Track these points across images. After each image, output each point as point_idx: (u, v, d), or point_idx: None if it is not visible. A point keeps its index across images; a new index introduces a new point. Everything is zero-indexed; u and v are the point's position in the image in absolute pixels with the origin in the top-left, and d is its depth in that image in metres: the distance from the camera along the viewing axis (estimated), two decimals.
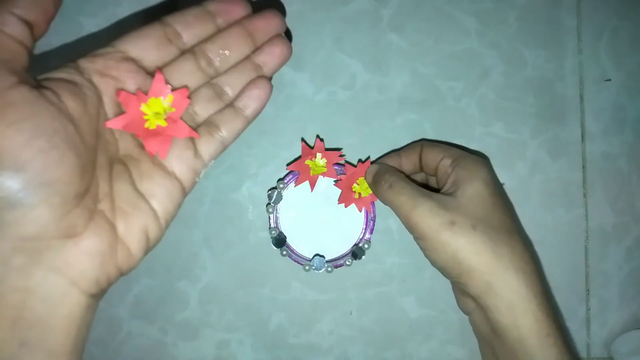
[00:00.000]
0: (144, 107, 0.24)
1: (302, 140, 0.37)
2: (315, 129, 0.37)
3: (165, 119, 0.25)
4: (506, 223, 0.30)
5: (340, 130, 0.37)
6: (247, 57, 0.28)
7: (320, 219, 0.37)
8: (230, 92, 0.28)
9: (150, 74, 0.25)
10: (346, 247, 0.37)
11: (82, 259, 0.22)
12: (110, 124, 0.24)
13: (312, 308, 0.38)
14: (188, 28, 0.26)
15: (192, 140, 0.26)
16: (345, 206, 0.36)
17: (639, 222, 0.38)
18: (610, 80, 0.38)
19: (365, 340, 0.38)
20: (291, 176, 0.36)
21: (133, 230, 0.24)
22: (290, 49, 0.29)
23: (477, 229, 0.29)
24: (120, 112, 0.24)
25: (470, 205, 0.30)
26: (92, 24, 0.37)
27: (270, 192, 0.36)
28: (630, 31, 0.38)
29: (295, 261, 0.36)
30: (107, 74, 0.24)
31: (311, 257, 0.36)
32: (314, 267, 0.36)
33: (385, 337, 0.38)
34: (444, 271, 0.31)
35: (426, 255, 0.31)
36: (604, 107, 0.38)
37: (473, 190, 0.30)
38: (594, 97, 0.38)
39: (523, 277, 0.29)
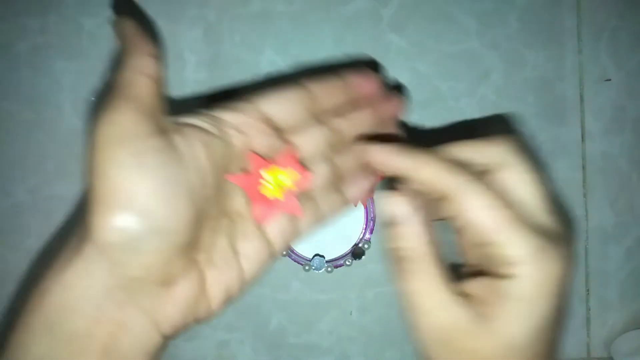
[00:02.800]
0: (268, 174, 0.24)
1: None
2: None
3: (283, 193, 0.25)
4: None
5: None
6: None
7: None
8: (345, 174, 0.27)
9: (279, 134, 0.25)
10: (346, 247, 0.37)
11: (170, 305, 0.22)
12: (232, 179, 0.24)
13: (312, 308, 0.38)
14: (327, 97, 0.26)
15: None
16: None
17: (639, 222, 0.38)
18: (610, 80, 0.38)
19: (365, 340, 0.38)
20: None
21: (220, 285, 0.24)
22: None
23: None
24: (243, 168, 0.24)
25: (503, 356, 0.21)
26: (92, 24, 0.37)
27: None
28: (630, 31, 0.38)
29: (295, 261, 0.36)
30: (243, 131, 0.24)
31: (311, 257, 0.36)
32: (314, 267, 0.36)
33: (385, 337, 0.38)
34: None
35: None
36: (604, 107, 0.38)
37: (515, 336, 0.21)
38: (594, 97, 0.38)
39: None
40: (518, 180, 0.22)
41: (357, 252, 0.36)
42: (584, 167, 0.38)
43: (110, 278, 0.21)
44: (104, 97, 0.22)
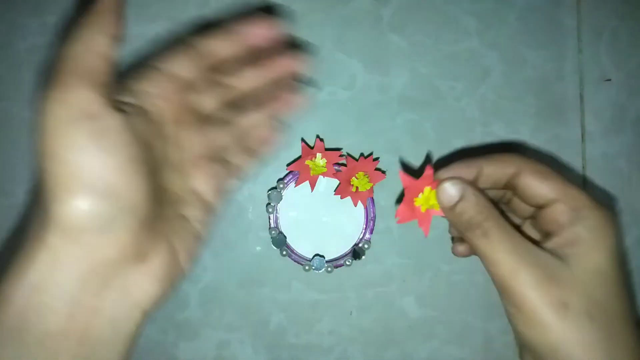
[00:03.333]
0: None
1: (302, 140, 0.37)
2: (315, 129, 0.37)
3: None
4: (627, 311, 0.24)
5: (340, 130, 0.37)
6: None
7: (320, 219, 0.37)
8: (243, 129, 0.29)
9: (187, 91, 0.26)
10: (346, 247, 0.37)
11: (148, 281, 0.23)
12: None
13: (312, 308, 0.38)
14: (218, 52, 0.27)
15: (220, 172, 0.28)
16: (341, 198, 0.35)
17: (639, 222, 0.38)
18: (610, 80, 0.38)
19: (365, 340, 0.38)
20: (291, 176, 0.36)
21: (185, 249, 0.25)
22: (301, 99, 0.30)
23: (594, 320, 0.23)
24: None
25: (589, 284, 0.23)
26: None
27: (270, 192, 0.36)
28: (630, 31, 0.38)
29: (295, 261, 0.36)
30: (165, 97, 0.25)
31: (311, 257, 0.36)
32: (314, 267, 0.36)
33: (385, 337, 0.38)
34: (529, 347, 0.24)
35: (510, 321, 0.25)
36: (604, 107, 0.38)
37: (596, 263, 0.24)
38: (594, 97, 0.38)
39: None
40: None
41: (357, 252, 0.36)
42: (584, 167, 0.38)
43: (84, 265, 0.20)
44: (51, 71, 0.21)
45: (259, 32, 0.27)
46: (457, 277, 0.38)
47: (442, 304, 0.38)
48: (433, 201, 0.27)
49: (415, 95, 0.38)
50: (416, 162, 0.37)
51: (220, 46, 0.27)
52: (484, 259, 0.25)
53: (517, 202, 0.29)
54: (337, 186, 0.35)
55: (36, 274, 0.20)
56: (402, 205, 0.28)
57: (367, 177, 0.34)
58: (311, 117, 0.37)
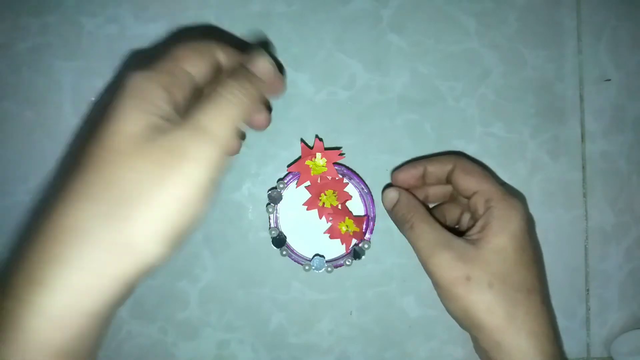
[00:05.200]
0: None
1: (302, 140, 0.37)
2: (315, 129, 0.37)
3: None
4: (527, 281, 0.29)
5: (340, 130, 0.37)
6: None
7: (321, 219, 0.37)
8: None
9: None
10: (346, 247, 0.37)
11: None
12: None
13: (312, 308, 0.38)
14: (230, 64, 0.28)
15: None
16: (307, 209, 0.36)
17: (639, 222, 0.38)
18: (610, 80, 0.38)
19: (365, 340, 0.38)
20: (291, 176, 0.36)
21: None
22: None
23: (493, 287, 0.28)
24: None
25: (491, 260, 0.29)
26: (92, 24, 0.37)
27: (270, 192, 0.36)
28: (630, 31, 0.38)
29: (295, 261, 0.36)
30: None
31: (311, 257, 0.36)
32: (314, 267, 0.36)
33: (385, 337, 0.38)
34: (456, 321, 0.31)
35: (441, 301, 0.31)
36: (604, 107, 0.38)
37: (498, 242, 0.29)
38: (594, 97, 0.38)
39: (535, 340, 0.28)
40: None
41: (357, 252, 0.36)
42: (584, 167, 0.38)
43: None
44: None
45: (262, 67, 0.27)
46: None
47: (441, 304, 0.38)
48: (350, 226, 0.36)
49: (415, 95, 0.38)
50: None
51: (233, 61, 0.27)
52: (413, 248, 0.31)
53: (460, 197, 0.34)
54: (307, 199, 0.36)
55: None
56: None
57: (335, 195, 0.36)
58: (311, 117, 0.37)
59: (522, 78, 0.38)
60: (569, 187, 0.38)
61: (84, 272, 0.20)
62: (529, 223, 0.31)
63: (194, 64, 0.25)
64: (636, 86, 0.38)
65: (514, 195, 0.31)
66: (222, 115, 0.23)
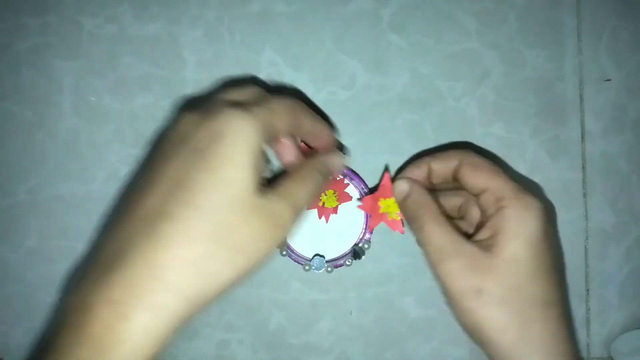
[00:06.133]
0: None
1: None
2: None
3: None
4: (544, 294, 0.27)
5: (340, 130, 0.37)
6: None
7: (321, 219, 0.37)
8: None
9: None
10: (346, 247, 0.37)
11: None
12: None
13: (312, 308, 0.38)
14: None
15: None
16: (307, 209, 0.33)
17: (639, 222, 0.38)
18: (610, 80, 0.38)
19: (365, 340, 0.38)
20: None
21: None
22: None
23: (506, 303, 0.26)
24: None
25: (505, 271, 0.26)
26: (92, 24, 0.37)
27: None
28: (630, 31, 0.38)
29: (295, 261, 0.36)
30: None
31: (311, 257, 0.36)
32: (313, 267, 0.36)
33: (385, 337, 0.38)
34: (466, 333, 0.28)
35: (449, 309, 0.29)
36: (604, 107, 0.38)
37: (513, 250, 0.26)
38: (594, 97, 0.38)
39: (552, 359, 0.26)
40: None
41: (357, 252, 0.36)
42: (584, 167, 0.38)
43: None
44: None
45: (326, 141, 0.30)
46: None
47: (442, 304, 0.37)
48: (394, 209, 0.32)
49: (415, 95, 0.38)
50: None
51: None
52: (421, 248, 0.29)
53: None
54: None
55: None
56: (369, 197, 0.34)
57: (335, 196, 0.35)
58: None
59: (522, 78, 0.38)
60: (569, 187, 0.38)
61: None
62: (548, 223, 0.27)
63: (284, 122, 0.26)
64: (636, 86, 0.38)
65: (529, 192, 0.28)
66: (308, 194, 0.26)
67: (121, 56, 0.37)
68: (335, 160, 0.30)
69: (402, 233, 0.33)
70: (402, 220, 0.33)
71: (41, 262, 0.37)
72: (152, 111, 0.37)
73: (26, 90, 0.37)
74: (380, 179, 0.34)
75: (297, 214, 0.25)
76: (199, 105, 0.25)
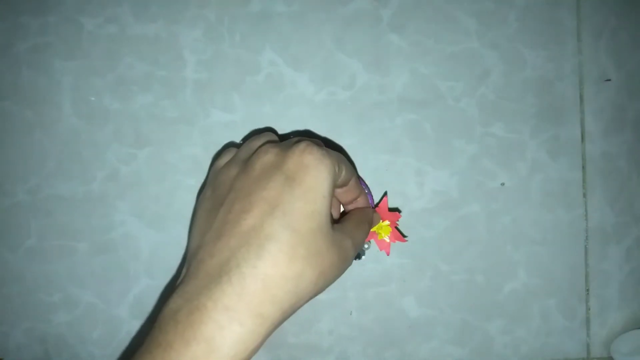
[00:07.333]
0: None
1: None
2: (315, 128, 0.37)
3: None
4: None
5: (340, 130, 0.37)
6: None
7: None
8: None
9: None
10: None
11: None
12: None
13: (312, 308, 0.37)
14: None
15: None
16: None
17: (639, 222, 0.38)
18: (610, 80, 0.38)
19: (365, 340, 0.38)
20: None
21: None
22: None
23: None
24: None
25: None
26: (92, 24, 0.37)
27: None
28: (630, 31, 0.38)
29: None
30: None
31: None
32: None
33: (385, 337, 0.38)
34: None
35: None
36: (604, 107, 0.38)
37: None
38: (594, 97, 0.38)
39: None
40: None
41: (357, 252, 0.36)
42: (584, 167, 0.38)
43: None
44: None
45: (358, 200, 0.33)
46: (456, 277, 0.38)
47: (442, 304, 0.38)
48: (386, 232, 0.35)
49: (415, 95, 0.38)
50: (417, 162, 0.37)
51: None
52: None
53: None
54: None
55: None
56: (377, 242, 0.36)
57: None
58: (311, 117, 0.37)
59: (522, 78, 0.38)
60: (569, 187, 0.38)
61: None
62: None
63: (346, 172, 0.29)
64: (636, 86, 0.38)
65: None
66: (363, 237, 0.30)
67: (121, 56, 0.37)
68: (375, 217, 0.35)
69: (388, 255, 0.36)
70: (390, 243, 0.35)
71: (41, 261, 0.37)
72: (152, 111, 0.37)
73: (26, 89, 0.37)
74: (379, 201, 0.36)
75: (356, 251, 0.29)
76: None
